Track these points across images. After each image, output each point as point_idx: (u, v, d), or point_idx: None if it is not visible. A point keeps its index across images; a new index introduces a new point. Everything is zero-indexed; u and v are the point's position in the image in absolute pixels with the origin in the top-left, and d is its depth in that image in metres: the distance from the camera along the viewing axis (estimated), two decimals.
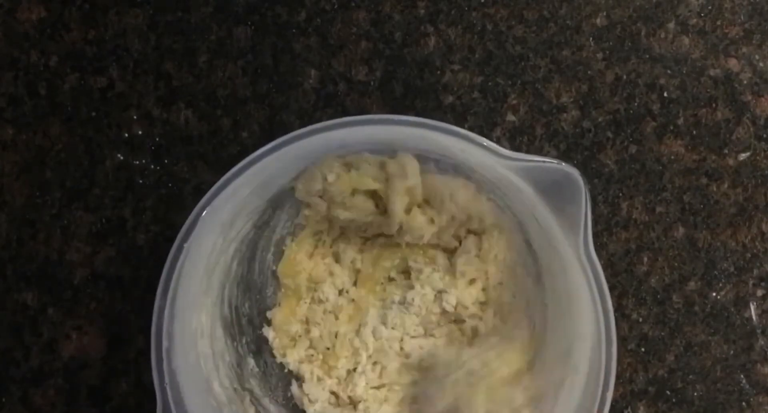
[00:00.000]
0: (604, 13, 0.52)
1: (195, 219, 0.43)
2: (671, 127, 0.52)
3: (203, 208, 0.43)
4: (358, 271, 0.50)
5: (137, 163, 0.52)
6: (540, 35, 0.52)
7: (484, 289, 0.49)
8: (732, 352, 0.51)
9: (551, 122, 0.52)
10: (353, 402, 0.49)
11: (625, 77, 0.52)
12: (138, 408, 0.51)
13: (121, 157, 0.52)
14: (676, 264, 0.51)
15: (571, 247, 0.42)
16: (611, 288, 0.50)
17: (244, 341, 0.49)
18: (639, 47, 0.52)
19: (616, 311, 0.50)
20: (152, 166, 0.52)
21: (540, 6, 0.52)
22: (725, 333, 0.51)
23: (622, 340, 0.51)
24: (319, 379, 0.50)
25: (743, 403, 0.51)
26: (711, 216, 0.51)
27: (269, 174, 0.45)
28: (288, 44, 0.52)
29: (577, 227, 0.41)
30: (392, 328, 0.49)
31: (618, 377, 0.50)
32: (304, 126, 0.43)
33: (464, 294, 0.49)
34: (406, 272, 0.50)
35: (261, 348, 0.50)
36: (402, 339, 0.49)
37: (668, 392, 0.51)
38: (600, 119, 0.52)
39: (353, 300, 0.50)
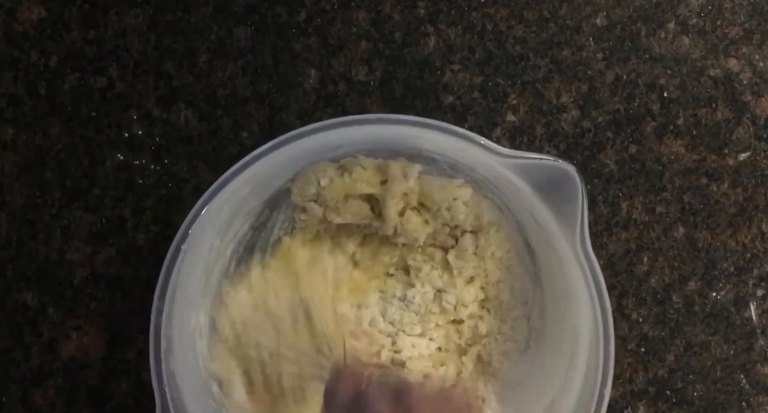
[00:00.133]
0: (604, 13, 0.52)
1: (192, 220, 0.43)
2: (671, 127, 0.52)
3: (201, 208, 0.43)
4: (357, 263, 0.50)
5: (137, 163, 0.52)
6: (540, 35, 0.52)
7: (482, 288, 0.49)
8: (732, 352, 0.51)
9: (551, 122, 0.52)
10: None
11: (625, 77, 0.52)
12: (138, 408, 0.51)
13: (121, 157, 0.52)
14: (676, 264, 0.51)
15: (568, 244, 0.42)
16: (611, 289, 0.50)
17: None
18: (639, 47, 0.52)
19: (616, 311, 0.50)
20: (152, 166, 0.52)
21: (540, 6, 0.52)
22: (725, 333, 0.51)
23: (622, 340, 0.51)
24: None
25: (743, 403, 0.51)
26: (711, 216, 0.51)
27: (267, 174, 0.45)
28: (288, 44, 0.52)
29: (574, 224, 0.42)
30: (390, 323, 0.49)
31: (618, 377, 0.50)
32: (304, 126, 0.43)
33: (463, 293, 0.49)
34: (406, 269, 0.50)
35: None
36: (397, 334, 0.50)
37: (668, 392, 0.51)
38: (600, 119, 0.52)
39: (353, 279, 0.50)
